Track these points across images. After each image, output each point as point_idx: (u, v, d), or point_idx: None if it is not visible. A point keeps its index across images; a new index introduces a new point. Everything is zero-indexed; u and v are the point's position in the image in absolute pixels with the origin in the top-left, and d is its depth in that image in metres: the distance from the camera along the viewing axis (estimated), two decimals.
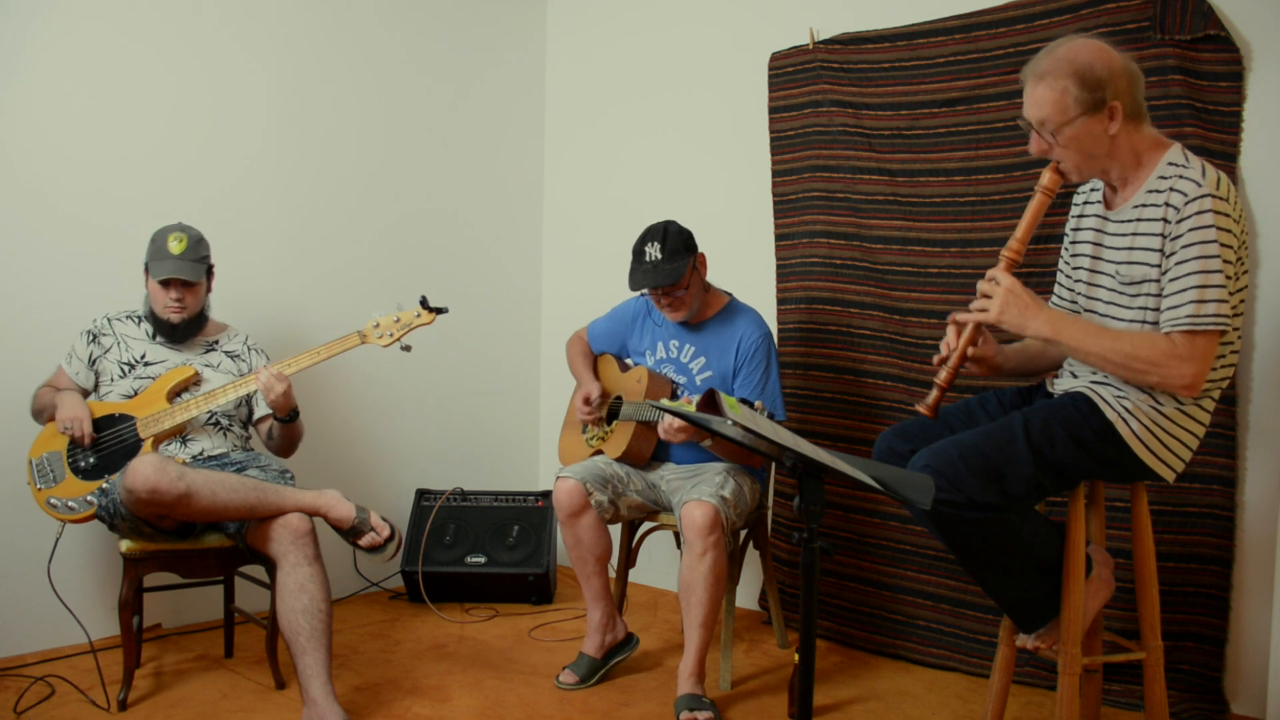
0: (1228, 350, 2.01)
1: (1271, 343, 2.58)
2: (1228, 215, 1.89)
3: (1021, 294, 1.99)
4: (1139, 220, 1.99)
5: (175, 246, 2.72)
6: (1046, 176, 2.05)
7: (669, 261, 2.75)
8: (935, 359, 2.12)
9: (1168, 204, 1.93)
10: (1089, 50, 1.97)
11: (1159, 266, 1.96)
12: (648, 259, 2.78)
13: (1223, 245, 1.88)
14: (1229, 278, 1.90)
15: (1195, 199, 1.88)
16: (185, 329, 2.80)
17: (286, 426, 2.80)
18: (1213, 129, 2.61)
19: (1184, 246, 1.89)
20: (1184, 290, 1.89)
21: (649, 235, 2.81)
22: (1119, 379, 2.03)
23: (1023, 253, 2.05)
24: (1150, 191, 1.98)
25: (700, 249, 2.86)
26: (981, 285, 2.04)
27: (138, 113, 3.14)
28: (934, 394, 2.07)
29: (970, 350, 2.08)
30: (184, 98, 3.23)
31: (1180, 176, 1.92)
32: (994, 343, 2.17)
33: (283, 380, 2.68)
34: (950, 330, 2.11)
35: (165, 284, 2.72)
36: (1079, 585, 2.08)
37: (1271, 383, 2.58)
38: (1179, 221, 1.90)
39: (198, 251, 2.76)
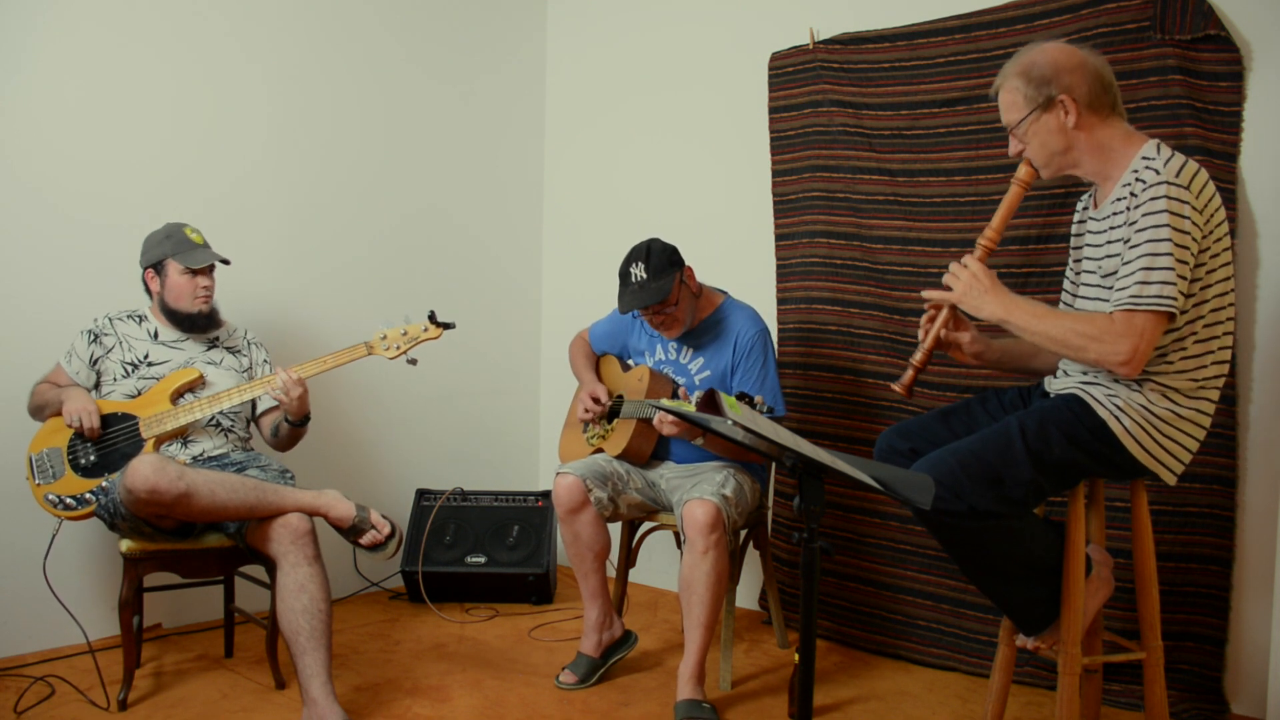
0: (1217, 345, 2.01)
1: (1271, 343, 2.58)
2: (1184, 202, 1.91)
3: (983, 278, 2.05)
4: (1113, 215, 2.04)
5: (196, 237, 2.82)
6: (1022, 169, 2.13)
7: (655, 279, 2.75)
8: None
9: (1131, 193, 1.97)
10: (1041, 51, 2.07)
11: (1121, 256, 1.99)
12: (634, 280, 2.78)
13: (1175, 230, 1.89)
14: (1182, 262, 1.91)
15: (1152, 186, 1.92)
16: (212, 318, 2.84)
17: (295, 429, 2.81)
18: (1213, 129, 2.61)
19: (1137, 231, 1.93)
20: (1132, 273, 1.93)
21: (633, 256, 2.80)
22: (1101, 376, 2.06)
23: (997, 241, 2.12)
24: (1123, 185, 2.01)
25: (699, 250, 2.87)
26: (952, 266, 2.11)
27: (138, 113, 3.14)
28: (908, 374, 2.16)
29: (942, 334, 2.16)
30: (184, 98, 3.23)
31: (1146, 168, 1.96)
32: (972, 330, 2.21)
33: (300, 384, 2.69)
34: (924, 317, 2.19)
35: (193, 273, 2.76)
36: (1079, 585, 2.08)
37: (1271, 383, 2.58)
38: (1135, 208, 1.94)
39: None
